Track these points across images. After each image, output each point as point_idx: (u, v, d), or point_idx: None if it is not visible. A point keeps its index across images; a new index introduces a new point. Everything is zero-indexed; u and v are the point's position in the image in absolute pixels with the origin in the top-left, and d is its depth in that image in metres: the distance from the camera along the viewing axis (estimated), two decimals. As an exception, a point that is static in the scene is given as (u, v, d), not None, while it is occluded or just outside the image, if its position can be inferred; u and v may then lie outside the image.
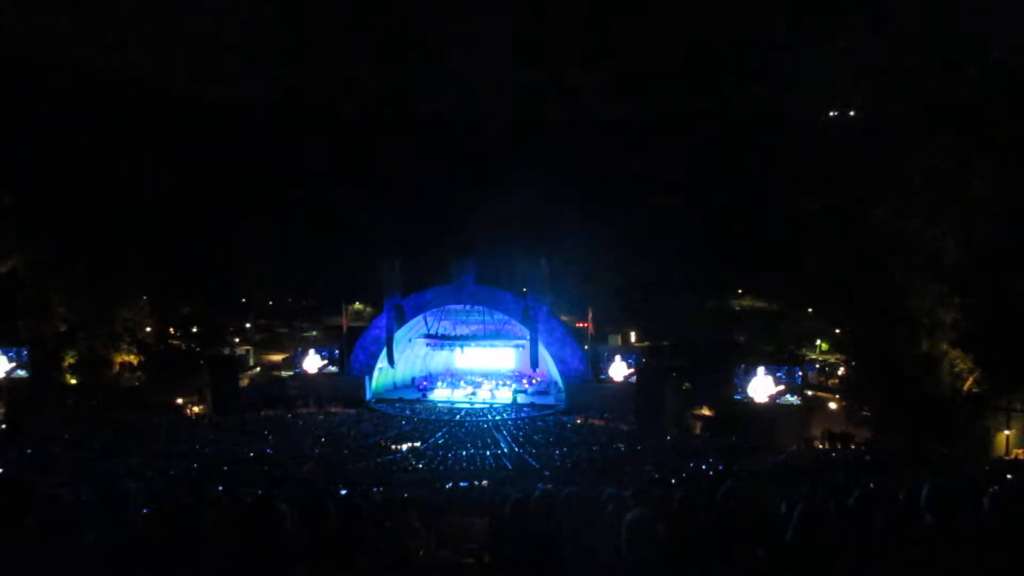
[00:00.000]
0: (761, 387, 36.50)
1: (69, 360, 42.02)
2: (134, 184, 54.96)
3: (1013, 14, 54.71)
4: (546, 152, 73.66)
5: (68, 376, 41.89)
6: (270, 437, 31.48)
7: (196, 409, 41.43)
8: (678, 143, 70.48)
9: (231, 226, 64.66)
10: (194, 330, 53.94)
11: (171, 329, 52.51)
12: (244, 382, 47.31)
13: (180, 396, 41.82)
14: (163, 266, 49.23)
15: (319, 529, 4.31)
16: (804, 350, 50.53)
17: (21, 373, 38.97)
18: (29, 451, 22.04)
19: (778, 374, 36.65)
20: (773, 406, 35.94)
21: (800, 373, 37.76)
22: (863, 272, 34.15)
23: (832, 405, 38.28)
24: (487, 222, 60.74)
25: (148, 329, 48.09)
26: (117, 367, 44.24)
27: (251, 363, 54.28)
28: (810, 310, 51.72)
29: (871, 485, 12.73)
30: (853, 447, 30.61)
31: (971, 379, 32.26)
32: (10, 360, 38.96)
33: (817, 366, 47.18)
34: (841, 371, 41.79)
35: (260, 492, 8.65)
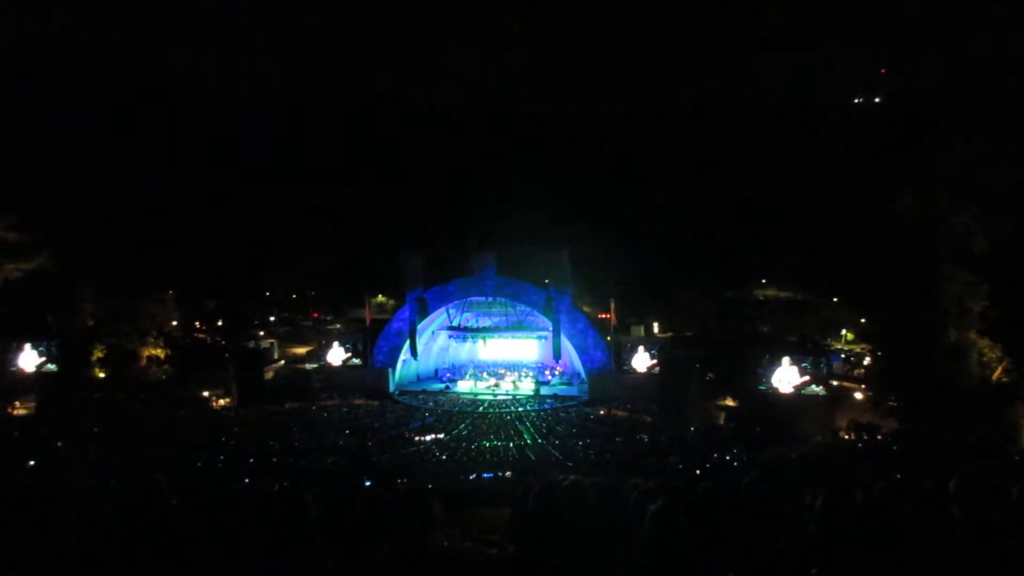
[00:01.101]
0: (786, 377, 36.22)
1: (97, 354, 42.61)
2: (160, 180, 55.62)
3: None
4: (568, 143, 73.49)
5: (96, 370, 42.50)
6: (295, 429, 31.72)
7: (222, 402, 41.82)
8: (701, 131, 69.93)
9: (255, 221, 65.18)
10: (219, 324, 54.49)
11: (197, 323, 53.14)
12: (269, 375, 47.67)
13: (206, 389, 42.22)
14: (188, 261, 49.75)
15: (344, 521, 4.35)
16: (829, 340, 50.11)
17: (51, 367, 39.63)
18: (59, 444, 22.43)
19: (803, 364, 36.34)
20: (798, 397, 35.66)
21: (825, 363, 37.44)
22: (889, 261, 33.72)
23: (858, 395, 37.88)
24: (508, 214, 60.71)
25: (174, 323, 48.67)
26: (144, 361, 44.76)
27: (275, 356, 54.67)
28: (835, 299, 51.26)
29: (897, 476, 12.64)
30: (879, 438, 30.30)
31: (999, 368, 31.79)
32: (40, 354, 39.63)
33: (842, 356, 46.77)
34: (867, 361, 41.35)
35: (285, 484, 8.73)
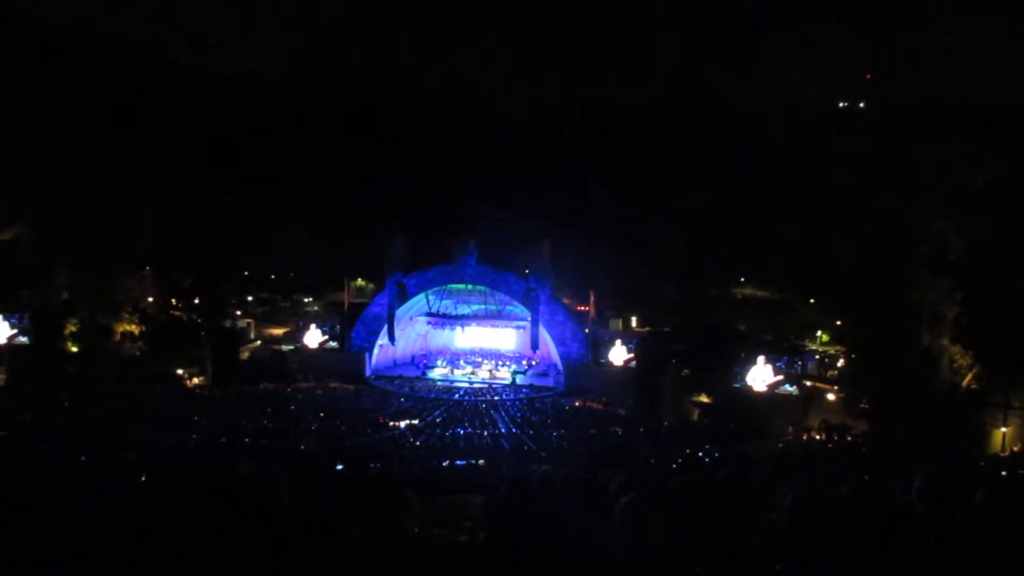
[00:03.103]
0: (760, 376, 36.58)
1: (71, 328, 42.04)
2: (138, 155, 54.91)
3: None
4: (551, 137, 73.41)
5: (69, 344, 41.96)
6: (269, 410, 31.60)
7: (196, 380, 41.55)
8: (682, 131, 70.04)
9: (234, 199, 64.59)
10: (196, 302, 54.00)
11: (173, 300, 52.56)
12: (244, 355, 47.42)
13: (180, 367, 41.90)
14: (166, 237, 49.20)
15: (317, 505, 4.34)
16: (804, 340, 50.56)
17: (22, 339, 39.13)
18: (28, 417, 22.17)
19: (778, 363, 36.74)
20: (772, 395, 36.05)
21: (799, 363, 37.83)
22: (866, 264, 34.10)
23: (830, 396, 38.32)
24: (491, 203, 60.62)
25: (150, 299, 48.15)
26: (118, 336, 44.27)
27: (252, 336, 54.33)
28: (811, 300, 51.69)
29: (866, 477, 12.81)
30: (850, 439, 30.70)
31: (970, 375, 32.29)
32: (12, 326, 39.13)
33: (817, 357, 47.19)
34: (840, 363, 41.83)
35: (258, 466, 8.71)
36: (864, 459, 22.45)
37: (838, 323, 45.57)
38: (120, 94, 63.10)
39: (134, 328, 45.01)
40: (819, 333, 51.70)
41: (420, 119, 78.02)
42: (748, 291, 62.59)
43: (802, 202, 52.64)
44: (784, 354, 38.45)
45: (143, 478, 4.38)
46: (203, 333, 43.95)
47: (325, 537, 3.81)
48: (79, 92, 56.49)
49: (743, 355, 37.52)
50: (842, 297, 38.57)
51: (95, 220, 43.51)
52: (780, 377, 36.36)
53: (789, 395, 36.08)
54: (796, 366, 37.07)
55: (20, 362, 37.06)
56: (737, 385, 36.98)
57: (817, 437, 32.27)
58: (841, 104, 78.09)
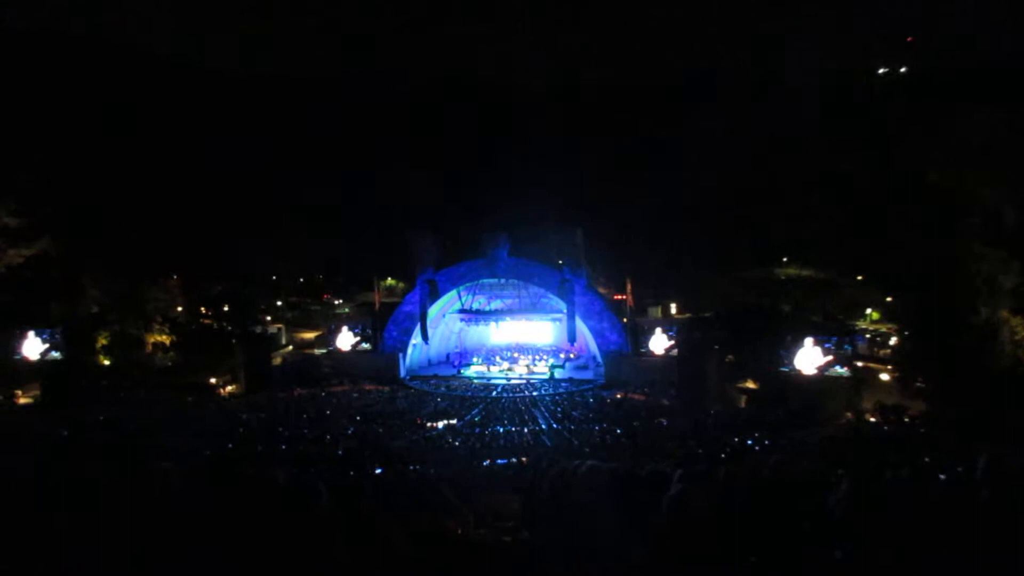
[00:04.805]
0: (809, 358, 36.17)
1: (102, 341, 42.98)
2: (162, 162, 55.74)
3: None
4: (581, 121, 73.07)
5: (101, 357, 42.88)
6: (304, 416, 31.92)
7: (229, 388, 42.14)
8: (720, 106, 69.29)
9: (261, 203, 65.31)
10: (225, 309, 54.78)
11: (202, 308, 53.43)
12: (276, 360, 47.97)
13: (213, 376, 42.55)
14: (193, 244, 49.97)
15: (356, 508, 4.39)
16: (853, 319, 49.85)
17: (55, 355, 40.08)
18: (64, 433, 22.63)
19: (826, 344, 36.29)
20: (821, 378, 35.62)
21: (849, 343, 37.30)
22: (916, 237, 33.43)
23: (884, 377, 37.72)
24: (522, 193, 60.54)
25: (179, 309, 48.97)
26: (150, 347, 45.12)
27: (283, 341, 55.00)
28: (859, 278, 50.89)
29: (925, 460, 12.61)
30: (906, 420, 30.20)
31: (1033, 348, 31.53)
32: (44, 342, 40.10)
33: (867, 336, 46.52)
34: (893, 341, 41.12)
35: (296, 471, 8.82)
36: (923, 441, 22.07)
37: (888, 300, 44.79)
38: (143, 100, 64.06)
39: (165, 338, 45.84)
40: (868, 311, 50.93)
41: (443, 110, 78.17)
42: (792, 271, 61.81)
43: (843, 174, 51.83)
44: (832, 334, 37.92)
45: (181, 488, 4.46)
46: (234, 340, 44.55)
47: (366, 541, 3.85)
48: (104, 101, 57.45)
49: (789, 337, 37.10)
50: (892, 272, 37.86)
51: (121, 229, 44.32)
52: (829, 358, 35.92)
53: (840, 377, 35.61)
54: (846, 346, 36.53)
55: (53, 377, 37.90)
56: (784, 369, 36.60)
57: (871, 420, 31.81)
58: (881, 71, 76.63)
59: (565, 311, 43.11)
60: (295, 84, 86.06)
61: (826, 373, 35.72)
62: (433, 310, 44.81)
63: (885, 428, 28.75)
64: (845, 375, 35.71)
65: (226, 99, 74.61)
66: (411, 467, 16.86)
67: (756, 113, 66.33)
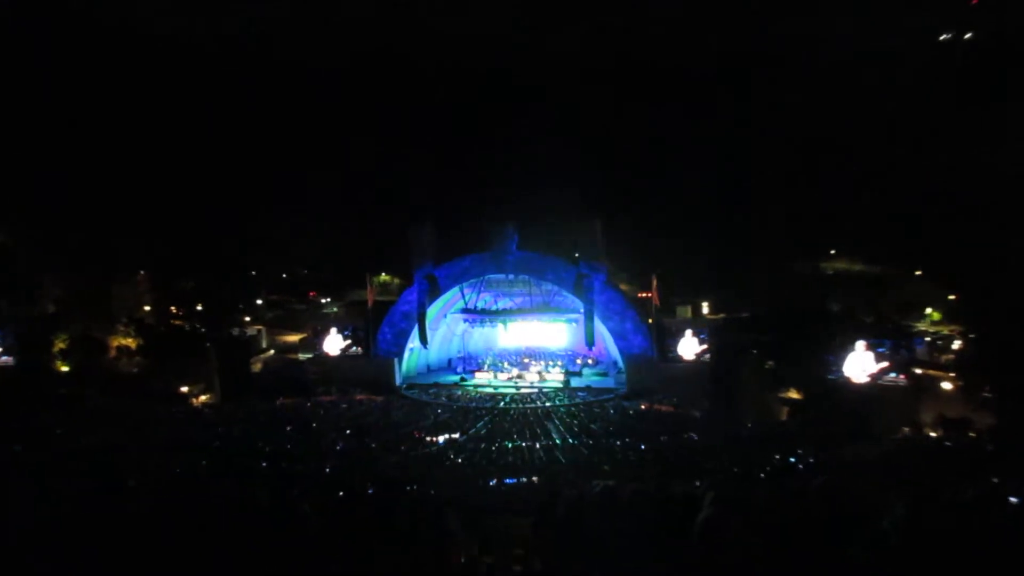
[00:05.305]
0: (860, 365, 36.09)
1: (60, 344, 43.12)
2: (130, 145, 55.87)
3: None
4: (601, 101, 72.88)
5: (59, 362, 43.03)
6: (288, 429, 32.02)
7: (202, 398, 42.30)
8: (764, 82, 69.00)
9: (238, 191, 65.37)
10: (198, 308, 54.93)
11: (172, 307, 53.56)
12: (256, 367, 48.10)
13: (184, 383, 42.69)
14: (161, 234, 50.03)
15: (346, 533, 4.40)
16: (911, 321, 49.68)
17: (6, 359, 40.22)
18: (17, 448, 22.74)
19: (880, 349, 36.21)
20: (875, 387, 35.54)
21: (906, 348, 37.22)
22: (983, 228, 33.30)
23: (946, 385, 37.60)
24: (533, 179, 60.44)
25: (147, 308, 49.09)
26: (113, 351, 45.27)
27: (263, 345, 55.15)
28: (917, 273, 50.69)
29: (993, 480, 12.55)
30: (971, 435, 30.09)
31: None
32: (-7, 345, 40.31)
33: (927, 339, 46.32)
34: (956, 345, 40.99)
35: (278, 492, 8.85)
36: (989, 459, 22.00)
37: (951, 298, 44.63)
38: (109, 77, 64.21)
39: (130, 341, 45.99)
40: (928, 311, 50.76)
41: (443, 89, 78.13)
42: (840, 265, 61.61)
43: (898, 156, 51.60)
44: (887, 338, 37.87)
45: (148, 508, 4.49)
46: (208, 344, 44.68)
47: (358, 570, 3.86)
48: (68, 79, 57.66)
49: (838, 341, 37.01)
50: (954, 268, 37.75)
51: (82, 218, 44.46)
52: (884, 365, 35.85)
53: (896, 386, 35.55)
54: (903, 351, 36.49)
55: (3, 384, 38.04)
56: (832, 377, 36.53)
57: (932, 435, 31.73)
58: (943, 37, 76.16)
59: (582, 311, 43.02)
60: (278, 62, 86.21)
61: (880, 381, 35.62)
62: (433, 310, 44.84)
63: (947, 444, 28.66)
64: (901, 383, 35.61)
65: (200, 78, 74.66)
66: (408, 487, 16.90)
67: (799, 89, 66.03)
